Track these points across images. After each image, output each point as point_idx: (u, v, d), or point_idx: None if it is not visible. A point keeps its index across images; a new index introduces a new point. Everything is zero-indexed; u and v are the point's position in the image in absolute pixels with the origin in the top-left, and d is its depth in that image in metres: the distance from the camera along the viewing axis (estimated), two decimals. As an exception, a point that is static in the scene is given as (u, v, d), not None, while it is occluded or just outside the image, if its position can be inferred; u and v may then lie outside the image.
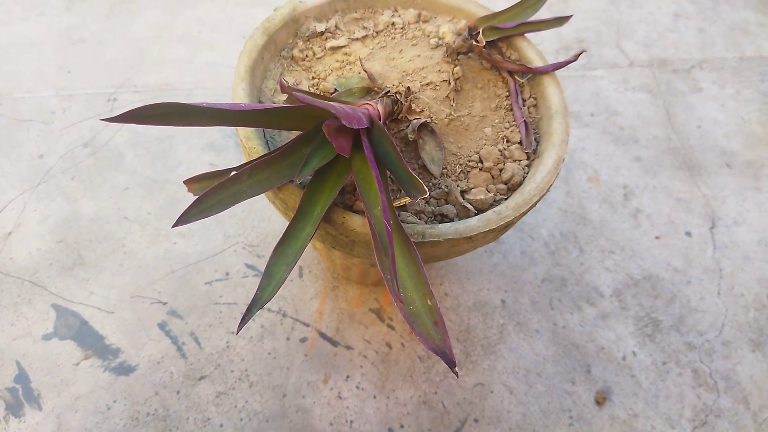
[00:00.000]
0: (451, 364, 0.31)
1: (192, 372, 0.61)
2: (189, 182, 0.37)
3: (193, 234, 0.71)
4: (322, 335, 0.65)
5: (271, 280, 0.35)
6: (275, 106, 0.34)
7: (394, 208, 0.36)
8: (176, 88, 0.87)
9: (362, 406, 0.61)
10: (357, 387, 0.62)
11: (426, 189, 0.32)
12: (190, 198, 0.74)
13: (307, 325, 0.65)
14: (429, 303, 0.33)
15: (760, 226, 0.79)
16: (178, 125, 0.32)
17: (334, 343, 0.64)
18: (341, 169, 0.38)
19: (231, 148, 0.80)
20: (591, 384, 0.65)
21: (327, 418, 0.60)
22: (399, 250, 0.35)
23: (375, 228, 0.33)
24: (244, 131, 0.42)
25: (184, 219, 0.33)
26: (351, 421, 0.60)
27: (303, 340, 0.64)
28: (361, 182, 0.36)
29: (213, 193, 0.34)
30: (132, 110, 0.28)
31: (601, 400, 0.64)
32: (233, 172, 0.36)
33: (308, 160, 0.35)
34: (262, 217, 0.73)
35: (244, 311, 0.65)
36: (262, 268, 0.69)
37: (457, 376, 0.31)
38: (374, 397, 0.61)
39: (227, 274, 0.68)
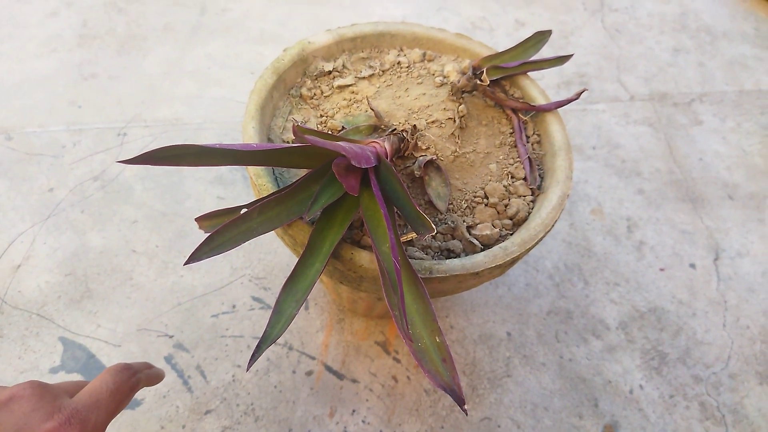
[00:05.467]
0: (461, 402, 0.31)
1: (198, 406, 0.61)
2: (200, 220, 0.37)
3: (200, 267, 0.72)
4: (328, 368, 0.65)
5: (280, 316, 0.35)
6: (286, 146, 0.35)
7: (402, 246, 0.36)
8: (186, 122, 0.88)
9: (368, 440, 0.60)
10: (363, 421, 0.61)
11: (433, 227, 0.33)
12: (198, 231, 0.75)
13: (313, 358, 0.65)
14: (437, 340, 0.33)
15: (764, 258, 0.80)
16: (193, 165, 0.32)
17: (340, 377, 0.64)
18: (349, 206, 0.39)
19: (238, 181, 0.81)
20: (598, 418, 0.64)
21: (333, 453, 0.59)
22: (407, 287, 0.35)
23: (383, 265, 0.34)
24: (254, 169, 0.43)
25: (196, 256, 0.34)
26: (357, 457, 0.59)
27: (309, 373, 0.64)
28: (370, 219, 0.36)
29: (224, 230, 0.35)
30: (147, 152, 0.29)
31: (608, 434, 0.63)
32: (243, 210, 0.37)
33: (317, 197, 0.36)
34: (268, 250, 0.74)
35: (250, 344, 0.65)
36: (269, 300, 0.69)
37: (467, 414, 0.31)
38: (380, 431, 0.61)
39: (234, 306, 0.69)
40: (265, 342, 0.34)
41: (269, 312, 0.68)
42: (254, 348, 0.63)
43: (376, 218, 0.36)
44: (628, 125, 0.96)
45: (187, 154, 0.31)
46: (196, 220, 0.37)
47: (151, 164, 0.30)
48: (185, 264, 0.33)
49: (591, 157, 0.90)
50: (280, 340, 0.66)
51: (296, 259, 0.72)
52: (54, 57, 0.97)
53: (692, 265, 0.78)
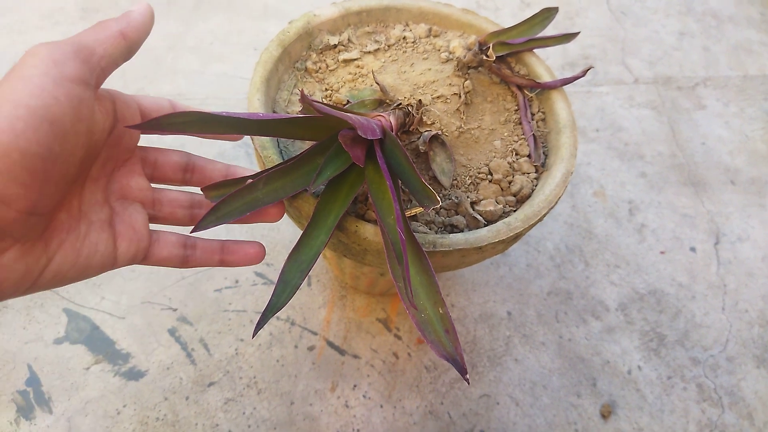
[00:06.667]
0: (463, 371, 0.31)
1: (201, 378, 0.62)
2: (206, 189, 0.37)
3: (203, 242, 0.72)
4: (330, 344, 0.65)
5: (285, 286, 0.35)
6: (292, 116, 0.35)
7: (406, 218, 0.36)
8: (188, 98, 0.88)
9: (369, 415, 0.61)
10: (364, 396, 0.62)
11: (438, 199, 0.33)
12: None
13: (315, 334, 0.66)
14: (441, 311, 0.33)
15: (764, 243, 0.80)
16: (199, 134, 0.32)
17: (342, 352, 0.65)
18: (354, 179, 0.39)
19: (241, 157, 0.81)
20: (596, 397, 0.65)
21: (334, 427, 0.60)
22: (411, 259, 0.35)
23: (388, 237, 0.34)
24: (260, 140, 0.43)
25: (201, 225, 0.34)
26: (358, 430, 0.60)
27: (311, 348, 0.65)
28: (375, 192, 0.36)
29: (230, 200, 0.35)
30: (155, 119, 0.29)
31: (606, 413, 0.64)
32: (249, 180, 0.37)
33: (323, 169, 0.36)
34: (271, 227, 0.74)
35: (253, 318, 0.66)
36: (272, 276, 0.70)
37: (468, 383, 0.32)
38: (381, 406, 0.62)
39: (237, 281, 0.69)
40: (270, 311, 0.34)
41: (272, 287, 0.69)
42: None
43: (381, 190, 0.36)
44: (631, 108, 0.95)
45: (194, 121, 0.31)
46: (203, 189, 0.37)
47: (158, 132, 0.30)
48: (191, 233, 0.33)
49: (594, 139, 0.90)
50: (283, 316, 0.67)
51: (300, 233, 0.72)
52: (56, 30, 0.96)
53: (693, 249, 0.79)
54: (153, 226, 0.35)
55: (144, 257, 0.34)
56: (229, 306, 0.67)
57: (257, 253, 0.38)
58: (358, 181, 0.39)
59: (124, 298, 0.67)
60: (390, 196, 0.34)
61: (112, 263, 0.32)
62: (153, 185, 0.36)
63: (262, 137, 0.43)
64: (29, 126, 0.24)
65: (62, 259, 0.29)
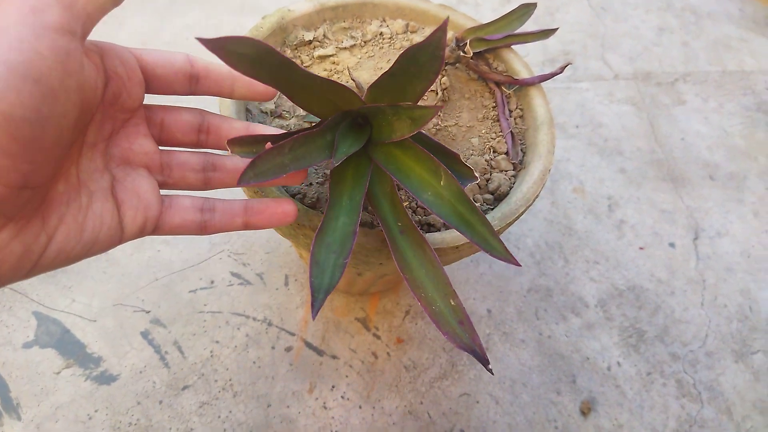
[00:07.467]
0: (484, 361, 0.31)
1: (175, 381, 0.61)
2: (231, 143, 0.35)
3: (178, 242, 0.71)
4: (308, 344, 0.64)
5: (319, 266, 0.32)
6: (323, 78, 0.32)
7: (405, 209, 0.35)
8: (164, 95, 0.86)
9: (348, 416, 0.60)
10: (342, 397, 0.61)
11: (476, 174, 0.32)
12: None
13: (293, 334, 0.65)
14: (452, 303, 0.33)
15: (742, 238, 0.80)
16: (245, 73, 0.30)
17: (320, 353, 0.64)
18: (358, 161, 0.37)
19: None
20: (576, 394, 0.65)
21: (312, 429, 0.59)
22: (414, 250, 0.34)
23: (390, 223, 0.33)
24: (227, 108, 0.42)
25: (243, 179, 0.30)
26: (336, 432, 0.59)
27: (288, 349, 0.64)
28: (397, 170, 0.33)
29: (264, 159, 0.32)
30: (218, 38, 0.26)
31: (586, 410, 0.64)
32: (268, 143, 0.35)
33: (338, 145, 0.34)
34: (248, 226, 0.73)
35: (229, 320, 0.64)
36: (248, 276, 0.68)
37: (492, 374, 0.31)
38: (360, 407, 0.61)
39: (212, 282, 0.68)
40: (317, 291, 0.32)
41: (248, 287, 0.68)
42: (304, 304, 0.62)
43: (405, 169, 0.34)
44: (611, 104, 0.95)
45: (249, 54, 0.28)
46: (228, 142, 0.34)
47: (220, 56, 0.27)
48: (238, 185, 0.30)
49: (574, 135, 0.90)
50: (260, 317, 0.66)
51: (278, 236, 0.71)
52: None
53: (672, 244, 0.79)
54: (164, 192, 0.32)
55: (155, 227, 0.31)
56: (204, 307, 0.66)
57: (288, 213, 0.34)
58: (363, 163, 0.37)
59: (95, 301, 0.65)
60: (426, 168, 0.33)
61: (119, 236, 0.29)
62: (162, 148, 0.33)
63: (231, 106, 0.43)
64: (10, 86, 0.20)
65: (65, 236, 0.26)
